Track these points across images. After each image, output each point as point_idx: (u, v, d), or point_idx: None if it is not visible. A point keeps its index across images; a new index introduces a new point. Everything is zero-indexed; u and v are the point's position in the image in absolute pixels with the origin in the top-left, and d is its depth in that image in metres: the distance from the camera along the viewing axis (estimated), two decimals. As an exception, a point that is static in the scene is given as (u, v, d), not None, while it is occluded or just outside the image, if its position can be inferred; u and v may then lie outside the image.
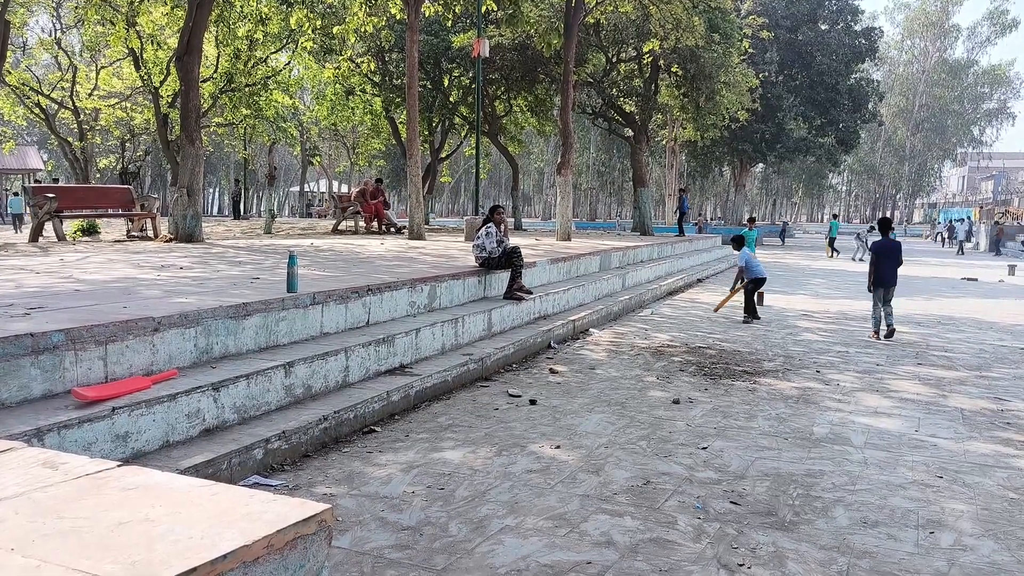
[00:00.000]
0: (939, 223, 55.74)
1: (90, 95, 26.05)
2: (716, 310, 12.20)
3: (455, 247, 13.70)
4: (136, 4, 18.37)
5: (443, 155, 31.39)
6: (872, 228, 28.97)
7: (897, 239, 10.76)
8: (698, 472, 4.83)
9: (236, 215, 37.56)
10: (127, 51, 21.50)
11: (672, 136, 35.99)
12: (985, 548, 3.83)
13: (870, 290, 10.48)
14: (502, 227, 9.16)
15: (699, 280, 18.41)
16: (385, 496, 4.29)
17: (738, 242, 12.28)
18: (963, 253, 35.73)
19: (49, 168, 39.04)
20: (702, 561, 3.60)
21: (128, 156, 30.94)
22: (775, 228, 46.87)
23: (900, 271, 10.53)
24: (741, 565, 3.57)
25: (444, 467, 4.79)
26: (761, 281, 11.95)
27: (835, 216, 38.75)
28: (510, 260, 9.01)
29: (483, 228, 9.11)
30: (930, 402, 6.86)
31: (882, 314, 10.34)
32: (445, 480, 4.56)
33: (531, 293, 9.32)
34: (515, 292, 9.09)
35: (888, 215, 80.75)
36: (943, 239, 48.82)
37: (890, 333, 10.21)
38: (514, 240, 12.03)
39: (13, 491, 1.72)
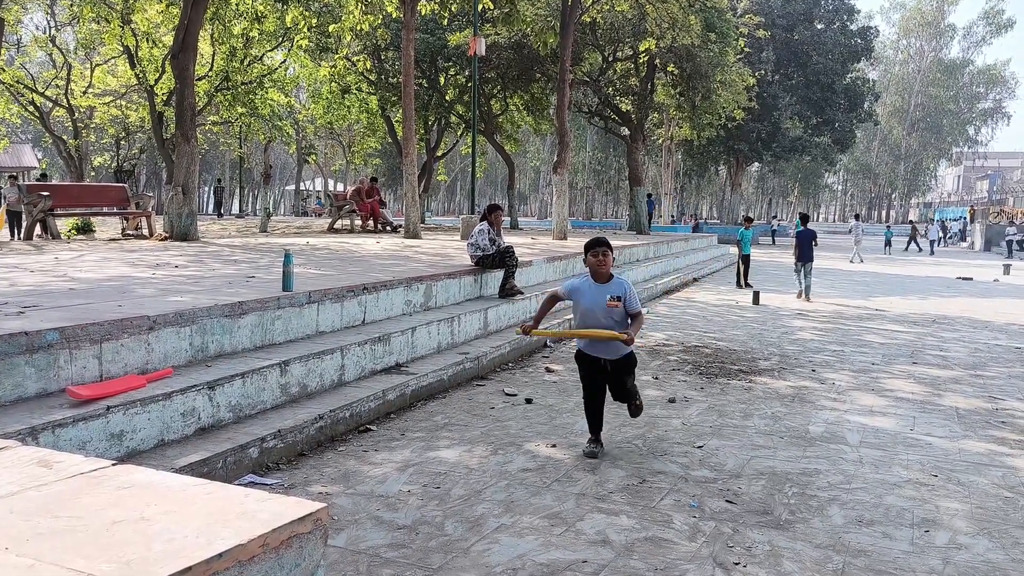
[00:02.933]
0: (934, 222, 55.82)
1: (85, 93, 25.97)
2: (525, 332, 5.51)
3: (451, 246, 13.69)
4: (131, 2, 18.31)
5: (439, 154, 31.35)
6: (857, 217, 32.10)
7: (812, 229, 14.93)
8: (694, 471, 4.84)
9: (219, 215, 37.23)
10: (122, 49, 21.43)
11: (668, 135, 35.99)
12: (980, 547, 3.84)
13: (795, 263, 14.80)
14: (496, 226, 9.17)
15: (695, 279, 18.43)
16: (381, 495, 4.28)
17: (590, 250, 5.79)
18: (932, 253, 35.23)
19: (43, 166, 38.87)
20: (698, 560, 3.60)
21: (123, 154, 30.89)
22: (768, 228, 46.69)
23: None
24: (737, 564, 3.57)
25: (440, 466, 4.79)
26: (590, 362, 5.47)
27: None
28: (503, 260, 9.01)
29: (477, 227, 9.16)
30: (925, 401, 6.88)
31: (803, 282, 14.59)
32: (441, 479, 4.56)
33: (522, 293, 9.29)
34: (507, 291, 9.08)
35: (884, 214, 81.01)
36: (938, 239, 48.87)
37: (802, 296, 14.55)
38: (510, 239, 12.03)
39: (7, 490, 1.71)
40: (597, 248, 5.01)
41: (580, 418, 5.97)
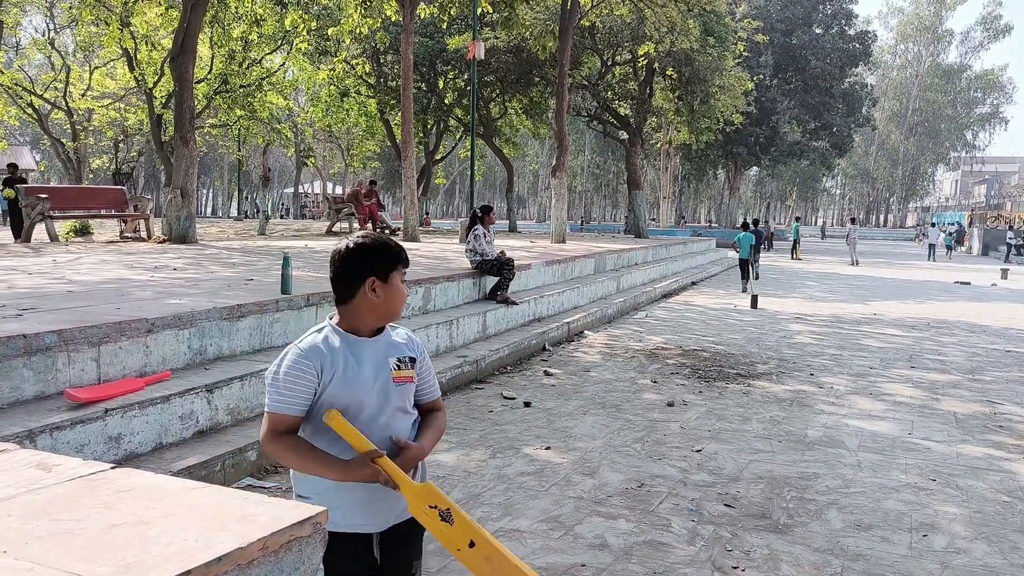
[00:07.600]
0: (932, 226, 55.85)
1: (83, 95, 25.98)
2: None
3: (450, 249, 13.68)
4: (130, 4, 18.31)
5: (438, 157, 31.40)
6: (853, 220, 32.37)
7: (759, 230, 19.12)
8: (692, 475, 4.83)
9: None
10: (121, 51, 21.47)
11: (666, 139, 36.05)
12: (978, 551, 3.84)
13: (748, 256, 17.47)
14: (490, 228, 9.17)
15: (693, 283, 18.44)
16: (379, 498, 4.27)
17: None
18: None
19: (42, 168, 38.82)
20: (696, 564, 3.60)
21: (121, 157, 30.90)
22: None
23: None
24: (735, 568, 3.57)
25: (438, 469, 4.78)
26: None
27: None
28: (500, 270, 8.98)
29: (471, 232, 9.10)
30: (923, 405, 6.88)
31: (752, 269, 17.25)
32: (439, 482, 4.55)
33: (516, 303, 9.18)
34: (499, 299, 9.00)
35: (883, 219, 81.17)
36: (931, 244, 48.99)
37: (756, 276, 17.40)
38: (507, 243, 12.03)
39: (5, 493, 1.71)
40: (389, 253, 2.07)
41: (579, 421, 5.97)
